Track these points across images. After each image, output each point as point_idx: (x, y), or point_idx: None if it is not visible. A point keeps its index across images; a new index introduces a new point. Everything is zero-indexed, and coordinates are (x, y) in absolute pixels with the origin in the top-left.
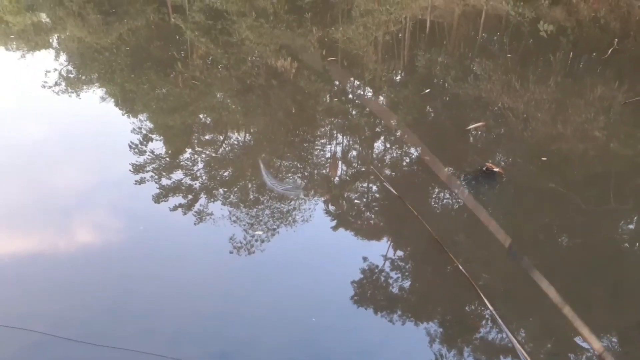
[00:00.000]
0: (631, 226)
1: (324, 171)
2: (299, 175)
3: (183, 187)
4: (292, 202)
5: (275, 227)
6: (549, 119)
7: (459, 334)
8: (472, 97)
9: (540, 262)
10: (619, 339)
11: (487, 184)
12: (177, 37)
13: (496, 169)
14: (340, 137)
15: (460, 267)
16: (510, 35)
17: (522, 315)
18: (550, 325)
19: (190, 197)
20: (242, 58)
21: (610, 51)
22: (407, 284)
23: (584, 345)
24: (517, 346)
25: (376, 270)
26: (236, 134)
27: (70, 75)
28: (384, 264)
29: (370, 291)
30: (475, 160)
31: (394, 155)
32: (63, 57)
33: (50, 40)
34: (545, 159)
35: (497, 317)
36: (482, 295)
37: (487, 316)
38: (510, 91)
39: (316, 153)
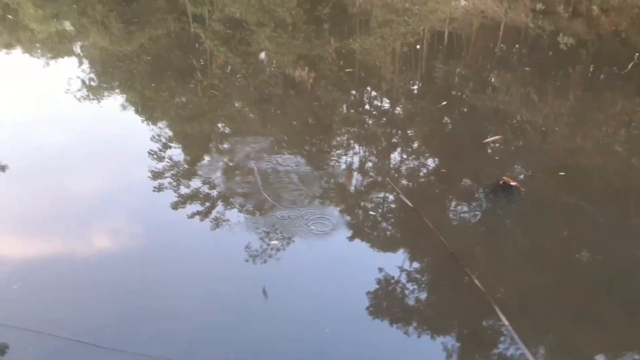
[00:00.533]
0: None
1: (339, 180)
2: (301, 193)
3: (200, 195)
4: (308, 212)
5: (290, 236)
6: (567, 132)
7: (474, 349)
8: (490, 109)
9: (559, 277)
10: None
11: (504, 198)
12: (197, 46)
13: (513, 183)
14: (356, 147)
15: (476, 281)
16: (529, 48)
17: (540, 331)
18: (569, 342)
19: (207, 204)
20: (260, 67)
21: (630, 65)
22: (422, 296)
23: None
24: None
25: (391, 282)
26: (254, 142)
27: (92, 82)
28: (399, 275)
29: (385, 303)
30: (493, 174)
31: (410, 166)
32: (85, 65)
33: (74, 48)
34: (563, 173)
35: (513, 331)
36: (497, 310)
37: (503, 332)
38: (528, 104)
39: (331, 163)
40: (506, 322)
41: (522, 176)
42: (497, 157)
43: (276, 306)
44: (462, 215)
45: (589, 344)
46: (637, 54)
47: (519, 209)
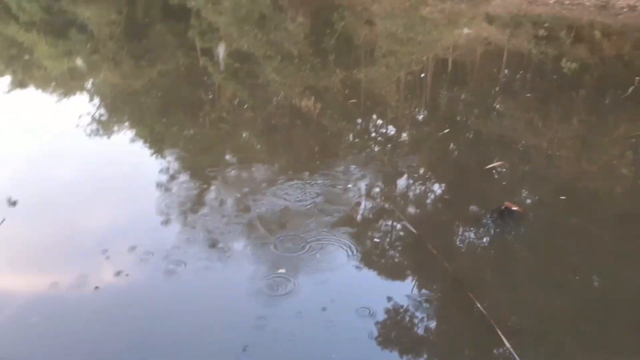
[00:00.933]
0: None
1: (345, 209)
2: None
3: (205, 226)
4: (313, 242)
5: (297, 266)
6: (572, 156)
7: None
8: (494, 135)
9: (567, 303)
10: None
11: (507, 224)
12: (205, 79)
13: (515, 208)
14: (362, 176)
15: (481, 308)
16: (533, 73)
17: (549, 357)
18: None
19: (211, 236)
20: (267, 99)
21: (631, 89)
22: (428, 324)
23: None
24: None
25: (396, 311)
26: (261, 171)
27: (102, 117)
28: (406, 304)
29: (394, 332)
30: (496, 200)
31: (415, 193)
32: (96, 100)
33: (85, 84)
34: (564, 197)
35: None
36: (503, 338)
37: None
38: (532, 129)
39: (337, 192)
40: (512, 350)
41: (528, 201)
42: (501, 183)
43: (282, 337)
44: (466, 241)
45: None
46: (637, 77)
47: (523, 234)
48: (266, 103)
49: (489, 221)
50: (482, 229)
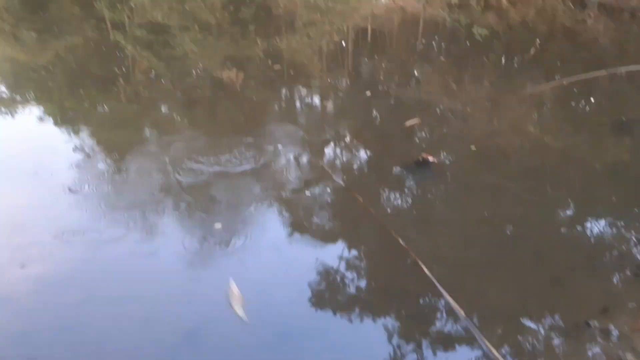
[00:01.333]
0: (568, 212)
1: (274, 174)
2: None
3: (126, 205)
4: (245, 210)
5: (228, 239)
6: (483, 115)
7: (417, 327)
8: (413, 98)
9: (486, 248)
10: (562, 332)
11: (423, 173)
12: (118, 53)
13: (431, 159)
14: (288, 142)
15: (402, 243)
16: (447, 40)
17: (478, 300)
18: (501, 309)
19: (135, 214)
20: (186, 71)
21: (533, 51)
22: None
23: (531, 325)
24: (476, 332)
25: (331, 270)
26: (183, 145)
27: (4, 95)
28: (339, 263)
29: (328, 293)
30: (414, 154)
31: (341, 152)
32: None
33: None
34: (475, 148)
35: (453, 302)
36: (425, 269)
37: (443, 305)
38: (447, 91)
39: (265, 159)
40: (432, 277)
41: (443, 154)
42: (419, 140)
43: (213, 307)
44: (388, 190)
45: (517, 312)
46: (538, 40)
47: (438, 182)
48: (185, 75)
49: (408, 171)
50: (402, 179)
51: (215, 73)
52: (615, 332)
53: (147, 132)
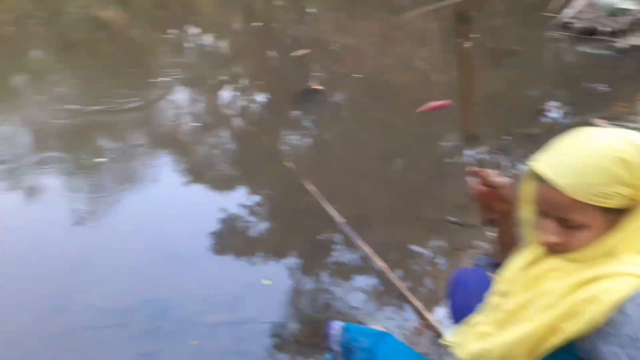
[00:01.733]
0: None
1: (168, 120)
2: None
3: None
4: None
5: (119, 189)
6: (371, 49)
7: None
8: (305, 33)
9: (368, 158)
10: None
11: (312, 100)
12: None
13: (319, 87)
14: (179, 82)
15: (293, 165)
16: None
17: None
18: (374, 216)
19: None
20: (60, 10)
21: None
22: (264, 217)
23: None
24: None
25: (225, 197)
26: (64, 93)
27: None
28: (233, 190)
29: (220, 214)
30: (302, 83)
31: (235, 87)
32: None
33: None
34: (360, 76)
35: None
36: (310, 187)
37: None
38: (339, 27)
39: (156, 106)
40: (315, 193)
41: (330, 81)
42: (309, 72)
43: (112, 259)
44: (278, 117)
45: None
46: None
47: (325, 108)
48: (59, 15)
49: (298, 99)
50: (292, 107)
51: (94, 12)
52: (471, 224)
53: (20, 80)
